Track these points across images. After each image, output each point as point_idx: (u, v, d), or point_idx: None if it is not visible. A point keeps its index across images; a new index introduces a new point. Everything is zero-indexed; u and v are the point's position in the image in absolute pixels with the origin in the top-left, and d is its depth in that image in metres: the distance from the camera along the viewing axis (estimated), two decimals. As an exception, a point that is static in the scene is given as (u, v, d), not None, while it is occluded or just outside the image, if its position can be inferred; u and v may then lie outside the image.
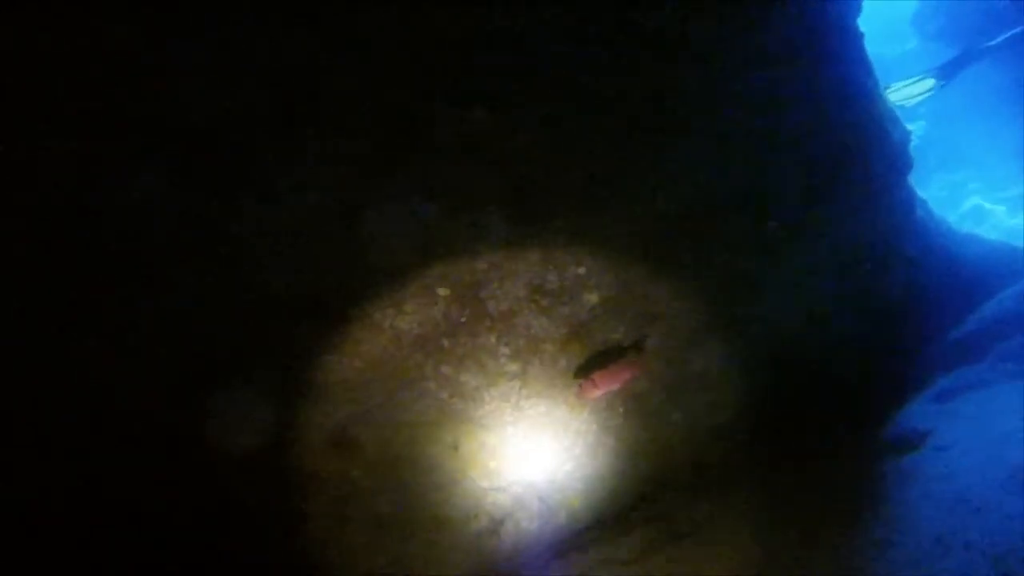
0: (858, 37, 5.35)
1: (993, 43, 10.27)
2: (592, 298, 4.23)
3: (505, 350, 4.22)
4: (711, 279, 4.81)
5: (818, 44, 4.61)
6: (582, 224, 4.01)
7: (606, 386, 4.18)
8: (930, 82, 11.07)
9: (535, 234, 3.92)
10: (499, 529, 5.33)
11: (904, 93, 11.38)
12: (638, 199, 4.20)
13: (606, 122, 3.88)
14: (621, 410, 5.04)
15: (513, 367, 4.30)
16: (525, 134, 3.80)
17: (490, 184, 3.92)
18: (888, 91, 11.44)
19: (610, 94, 3.64)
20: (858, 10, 5.20)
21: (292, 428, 4.04)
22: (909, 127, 5.95)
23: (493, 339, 4.13)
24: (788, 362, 5.75)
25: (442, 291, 3.99)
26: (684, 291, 4.61)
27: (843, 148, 5.02)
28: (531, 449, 4.97)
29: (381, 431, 4.35)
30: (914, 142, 6.55)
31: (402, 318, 3.96)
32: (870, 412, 6.12)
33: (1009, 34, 9.81)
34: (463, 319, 4.00)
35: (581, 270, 4.09)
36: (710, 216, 4.47)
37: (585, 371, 4.31)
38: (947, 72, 10.98)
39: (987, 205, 17.42)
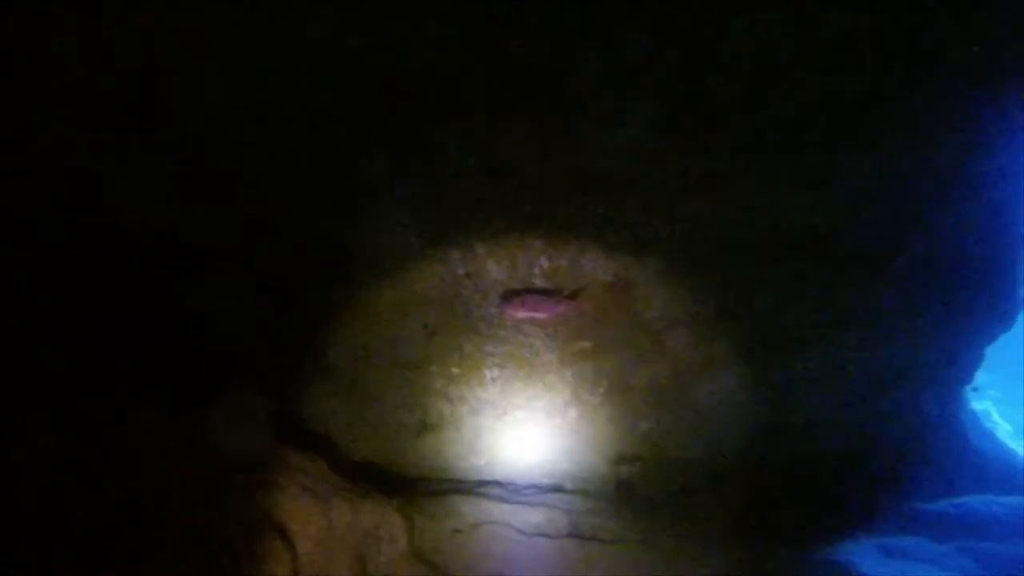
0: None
1: None
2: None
3: (545, 263, 3.83)
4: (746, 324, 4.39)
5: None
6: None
7: (531, 311, 4.04)
8: None
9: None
10: (423, 433, 5.06)
11: None
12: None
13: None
14: (601, 391, 4.69)
15: (542, 284, 3.92)
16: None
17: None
18: None
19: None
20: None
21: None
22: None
23: (540, 243, 3.73)
24: (767, 439, 5.36)
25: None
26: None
27: (961, 279, 4.49)
28: (500, 377, 4.64)
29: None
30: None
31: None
32: (805, 529, 5.91)
33: None
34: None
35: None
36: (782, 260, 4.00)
37: (517, 295, 4.09)
38: None
39: (995, 416, 17.06)
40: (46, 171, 3.60)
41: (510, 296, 4.06)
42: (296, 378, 4.69)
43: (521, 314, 4.06)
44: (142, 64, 3.18)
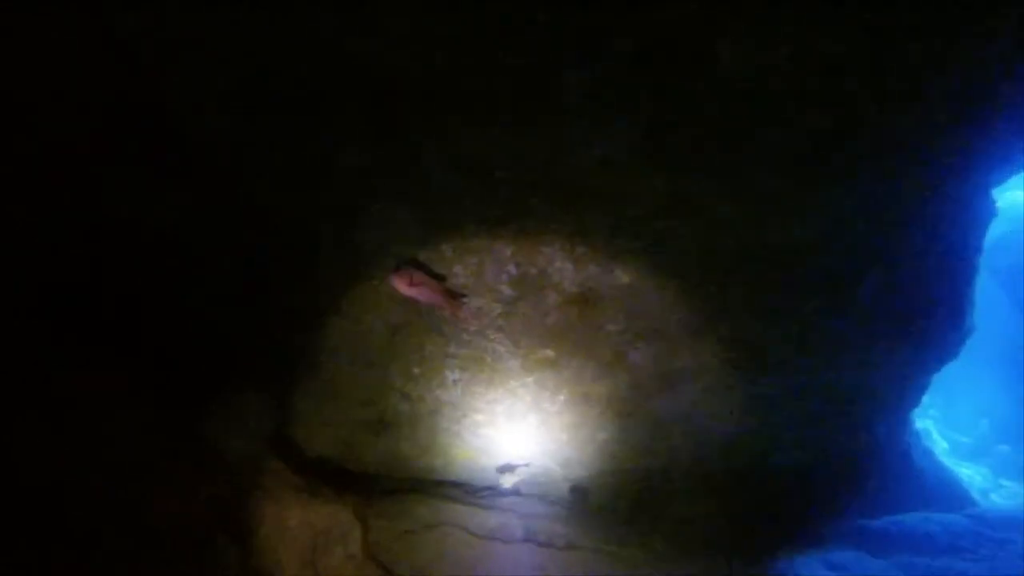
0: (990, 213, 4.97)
1: None
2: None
3: (513, 270, 3.81)
4: (708, 342, 4.45)
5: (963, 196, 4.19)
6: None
7: (414, 290, 3.86)
8: None
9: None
10: (381, 431, 4.99)
11: None
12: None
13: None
14: (561, 399, 4.70)
15: (509, 291, 3.91)
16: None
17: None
18: None
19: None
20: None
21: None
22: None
23: (510, 251, 3.72)
24: (721, 455, 5.44)
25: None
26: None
27: (917, 311, 4.62)
28: (461, 379, 4.61)
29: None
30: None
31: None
32: (755, 543, 6.07)
33: None
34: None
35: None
36: (757, 285, 4.06)
37: (410, 267, 3.93)
38: None
39: (935, 435, 17.79)
40: (45, 170, 3.51)
41: (401, 268, 3.88)
42: (292, 377, 4.63)
43: (403, 289, 3.85)
44: (142, 63, 3.13)
